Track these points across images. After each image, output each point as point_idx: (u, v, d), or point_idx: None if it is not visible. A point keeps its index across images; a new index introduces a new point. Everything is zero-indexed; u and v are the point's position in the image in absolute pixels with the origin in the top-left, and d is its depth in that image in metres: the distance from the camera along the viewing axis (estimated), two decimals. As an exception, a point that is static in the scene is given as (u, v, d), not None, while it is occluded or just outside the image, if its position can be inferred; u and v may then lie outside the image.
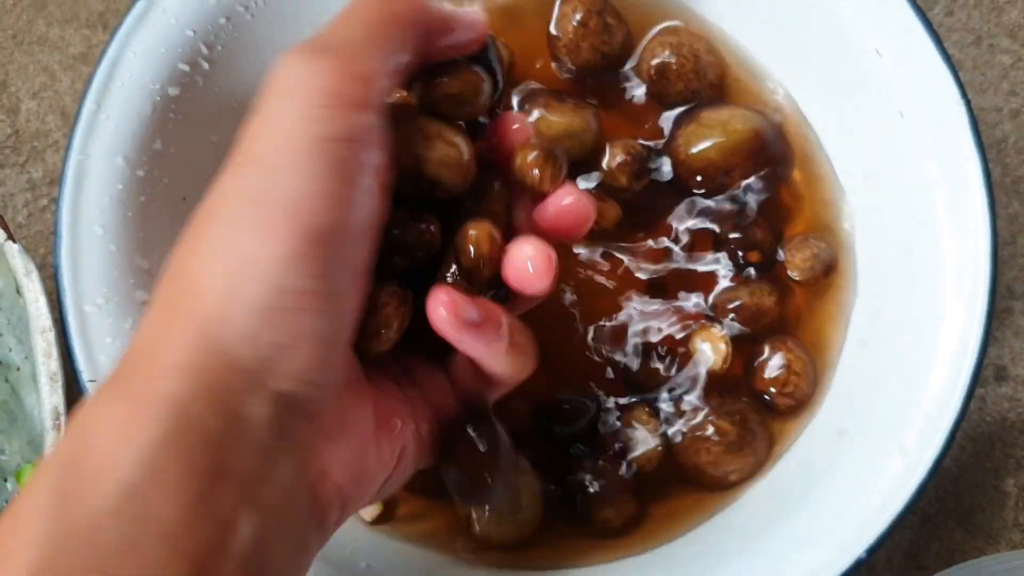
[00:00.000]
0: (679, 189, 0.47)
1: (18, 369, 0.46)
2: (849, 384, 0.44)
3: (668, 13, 0.49)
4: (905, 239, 0.43)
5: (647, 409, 0.45)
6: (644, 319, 0.46)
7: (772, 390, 0.45)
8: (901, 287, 0.43)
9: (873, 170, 0.45)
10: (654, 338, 0.46)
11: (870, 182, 0.46)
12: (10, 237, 0.43)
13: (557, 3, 0.47)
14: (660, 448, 0.44)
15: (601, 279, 0.47)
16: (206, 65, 0.45)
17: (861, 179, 0.46)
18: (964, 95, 0.41)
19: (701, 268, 0.47)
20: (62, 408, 0.40)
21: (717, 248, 0.47)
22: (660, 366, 0.45)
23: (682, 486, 0.45)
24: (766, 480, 0.44)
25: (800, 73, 0.48)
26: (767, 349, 0.45)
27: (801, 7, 0.46)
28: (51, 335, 0.41)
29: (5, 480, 0.46)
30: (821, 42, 0.46)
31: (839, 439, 0.42)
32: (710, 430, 0.44)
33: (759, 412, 0.45)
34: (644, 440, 0.44)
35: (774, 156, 0.47)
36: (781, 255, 0.47)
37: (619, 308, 0.46)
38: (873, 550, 0.39)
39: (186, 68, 0.44)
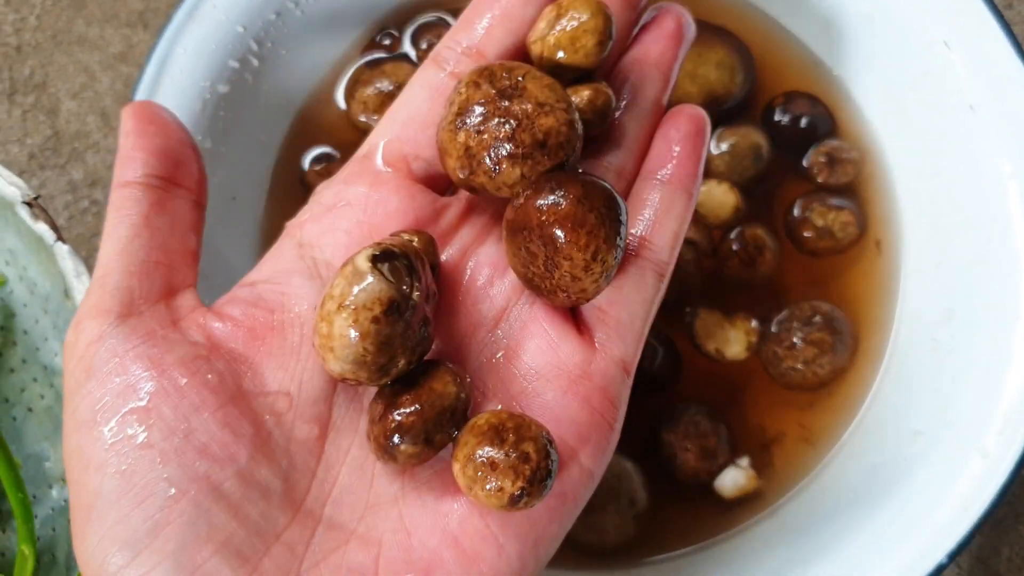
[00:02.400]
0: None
1: (64, 374, 0.45)
2: (922, 385, 0.43)
3: (723, 6, 0.48)
4: (977, 236, 0.42)
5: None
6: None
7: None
8: (974, 285, 0.42)
9: (940, 165, 0.44)
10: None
11: (937, 178, 0.44)
12: (59, 238, 0.42)
13: None
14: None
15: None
16: (256, 62, 0.44)
17: (928, 174, 0.45)
18: (1038, 87, 0.40)
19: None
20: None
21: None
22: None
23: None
24: (841, 482, 0.43)
25: (862, 67, 0.47)
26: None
27: (864, -1, 0.45)
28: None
29: (51, 487, 0.44)
30: (885, 35, 0.45)
31: (914, 441, 0.41)
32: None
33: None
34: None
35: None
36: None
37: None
38: (954, 555, 0.37)
39: (236, 65, 0.43)
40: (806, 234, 0.46)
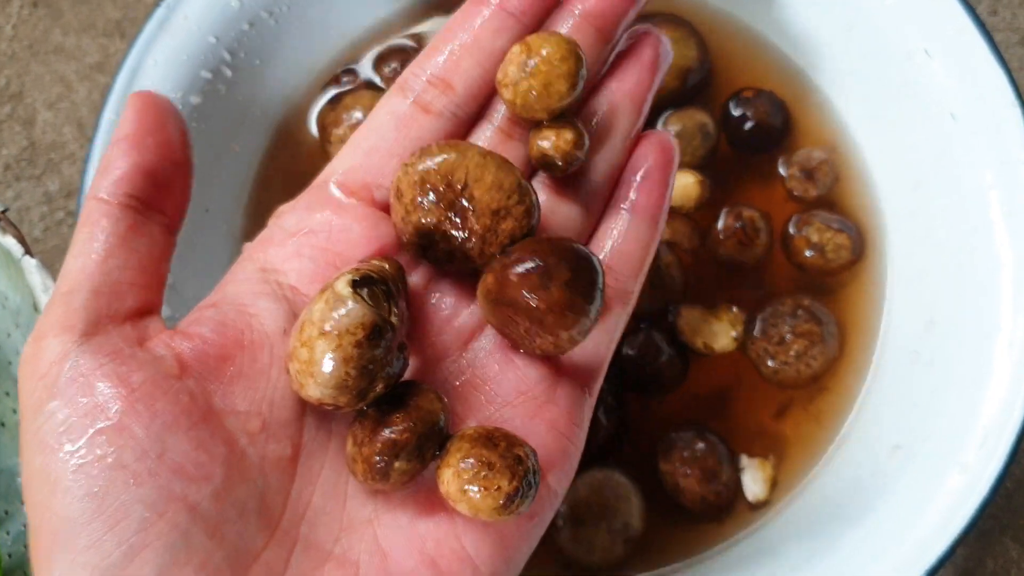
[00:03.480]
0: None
1: (36, 389, 0.44)
2: (902, 398, 0.42)
3: (705, 15, 0.48)
4: (958, 247, 0.42)
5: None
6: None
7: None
8: (955, 297, 0.42)
9: (923, 175, 0.44)
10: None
11: (919, 188, 0.44)
12: (27, 252, 0.41)
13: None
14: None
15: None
16: (229, 72, 0.43)
17: (910, 184, 0.44)
18: (1019, 96, 0.40)
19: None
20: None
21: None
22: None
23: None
24: (820, 497, 0.42)
25: (843, 77, 0.47)
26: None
27: (844, 8, 0.44)
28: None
29: (23, 503, 0.44)
30: (865, 44, 0.44)
31: (893, 455, 0.41)
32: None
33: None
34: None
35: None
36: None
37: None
38: (933, 571, 0.37)
39: (208, 76, 0.43)
40: (799, 247, 0.46)
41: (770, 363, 0.44)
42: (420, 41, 0.48)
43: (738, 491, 0.44)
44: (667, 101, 0.47)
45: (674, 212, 0.46)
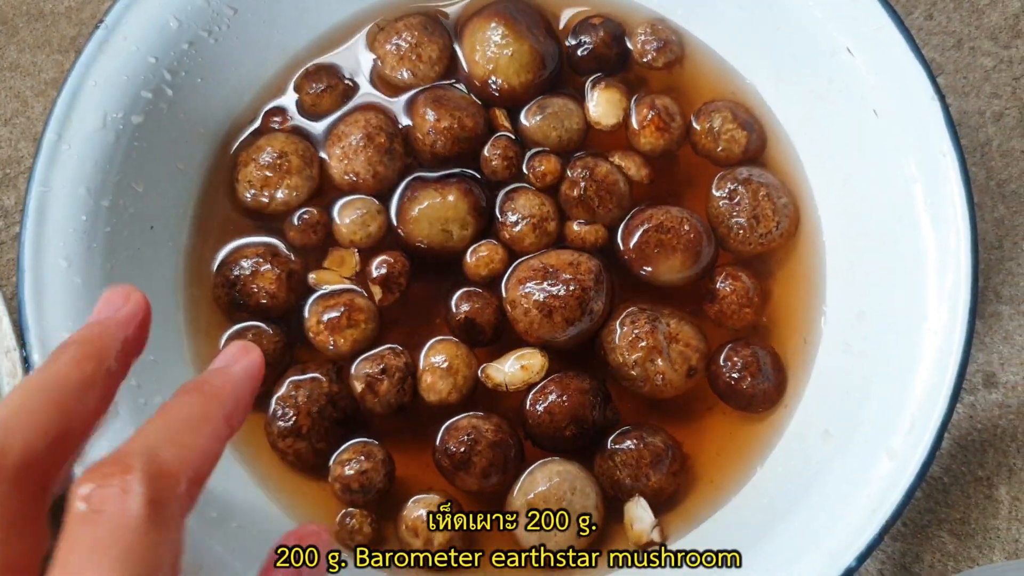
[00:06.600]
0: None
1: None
2: (833, 386, 0.44)
3: (635, 17, 0.49)
4: (885, 239, 0.43)
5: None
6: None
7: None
8: (883, 288, 0.42)
9: (850, 170, 0.45)
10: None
11: (848, 183, 0.45)
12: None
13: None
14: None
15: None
16: (170, 92, 0.44)
17: (839, 180, 0.45)
18: (938, 90, 0.41)
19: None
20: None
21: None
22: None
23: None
24: (754, 489, 0.44)
25: (771, 76, 0.48)
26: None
27: (770, 9, 0.45)
28: (16, 355, 0.42)
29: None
30: (791, 44, 0.45)
31: (824, 442, 0.42)
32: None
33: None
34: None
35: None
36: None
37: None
38: (863, 557, 0.38)
39: (149, 95, 0.43)
40: (698, 128, 0.48)
41: (751, 234, 0.46)
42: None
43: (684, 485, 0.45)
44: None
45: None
